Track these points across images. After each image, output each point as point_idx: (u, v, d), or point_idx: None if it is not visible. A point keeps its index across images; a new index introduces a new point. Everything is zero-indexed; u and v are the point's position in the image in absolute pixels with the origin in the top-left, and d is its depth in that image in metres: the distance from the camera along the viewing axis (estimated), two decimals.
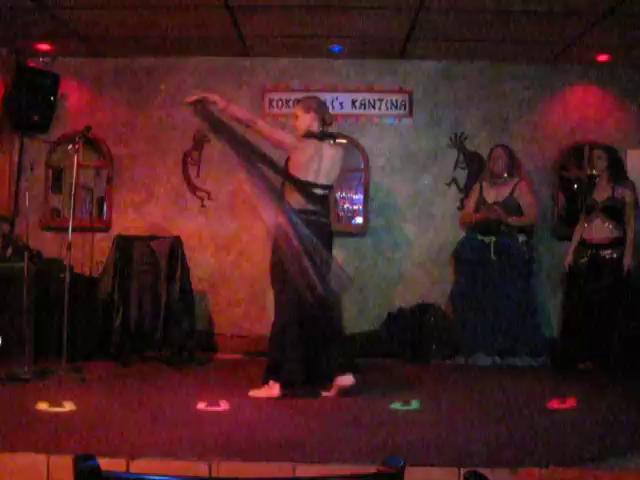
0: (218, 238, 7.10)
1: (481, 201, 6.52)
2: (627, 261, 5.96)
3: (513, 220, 6.36)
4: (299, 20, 6.13)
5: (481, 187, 6.59)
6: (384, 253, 7.11)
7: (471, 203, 6.63)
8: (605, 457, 3.23)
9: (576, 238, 6.30)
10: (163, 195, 7.15)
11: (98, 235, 6.95)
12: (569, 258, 6.30)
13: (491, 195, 6.49)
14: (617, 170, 6.18)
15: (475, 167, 6.97)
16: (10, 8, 5.84)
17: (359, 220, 7.27)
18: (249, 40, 6.70)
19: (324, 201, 4.96)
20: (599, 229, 6.12)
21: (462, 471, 2.94)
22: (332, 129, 7.11)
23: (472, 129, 7.11)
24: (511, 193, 6.43)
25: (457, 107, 7.15)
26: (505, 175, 6.49)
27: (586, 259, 6.16)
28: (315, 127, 4.93)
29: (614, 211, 6.08)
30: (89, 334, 6.04)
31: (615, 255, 6.05)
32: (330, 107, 7.05)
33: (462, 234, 6.75)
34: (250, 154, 4.81)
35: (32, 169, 6.18)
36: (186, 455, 3.18)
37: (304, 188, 4.80)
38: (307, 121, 4.92)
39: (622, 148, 6.70)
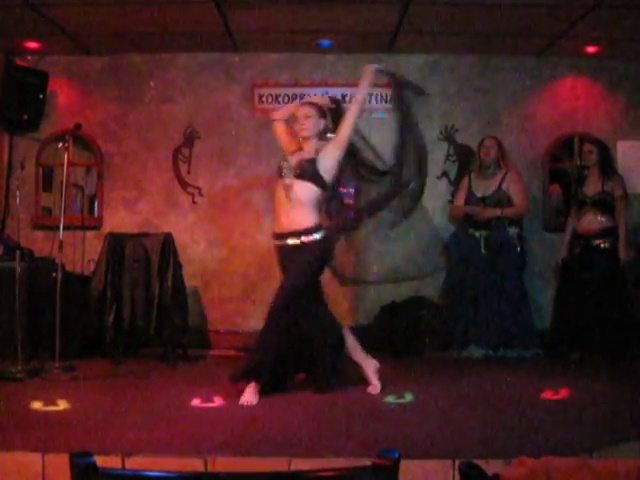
0: (210, 234, 7.10)
1: (471, 195, 6.53)
2: (622, 254, 6.05)
3: (503, 212, 6.37)
4: (288, 15, 6.13)
5: (470, 180, 6.59)
6: (376, 247, 7.10)
7: (460, 196, 6.64)
8: (598, 446, 3.25)
9: (569, 232, 6.37)
10: (154, 192, 7.14)
11: (89, 233, 6.93)
12: (563, 252, 6.36)
13: (480, 188, 6.50)
14: (607, 164, 6.25)
15: (465, 160, 6.97)
16: None
17: (350, 214, 7.25)
18: (238, 35, 6.68)
19: None
20: (590, 221, 6.21)
21: (456, 463, 2.95)
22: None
23: (462, 122, 7.12)
24: (499, 185, 6.44)
25: (447, 100, 7.16)
26: (493, 167, 6.49)
27: (579, 250, 6.24)
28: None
29: (605, 204, 6.15)
30: (82, 332, 6.03)
31: (607, 244, 6.12)
32: None
33: (454, 227, 6.76)
34: None
35: (22, 168, 6.16)
36: (181, 451, 3.18)
37: None
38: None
39: (612, 139, 6.74)
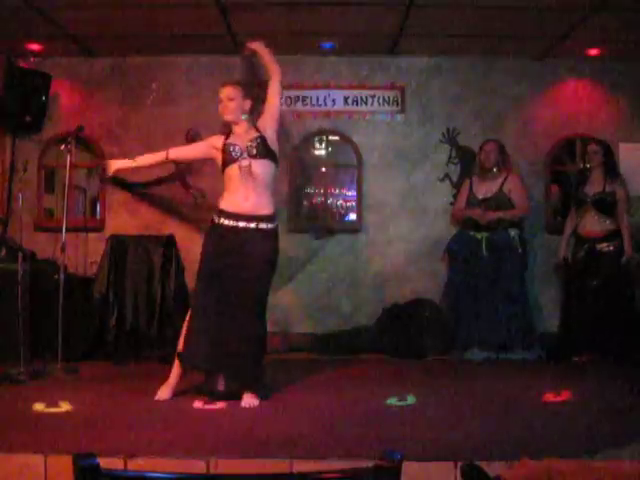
0: None
1: (472, 197, 6.54)
2: (628, 252, 6.04)
3: (505, 214, 6.38)
4: (290, 17, 6.13)
5: (471, 182, 6.61)
6: (378, 249, 7.12)
7: (461, 199, 6.64)
8: (600, 448, 3.25)
9: (567, 230, 6.40)
10: (156, 194, 7.14)
11: (92, 235, 6.92)
12: (563, 250, 6.37)
13: (481, 190, 6.51)
14: (610, 165, 6.25)
15: (468, 162, 6.98)
16: (0, 8, 5.82)
17: (353, 216, 7.28)
18: (240, 38, 6.68)
19: None
20: (593, 223, 6.20)
21: (459, 464, 2.95)
22: (326, 126, 7.19)
23: (464, 124, 7.12)
24: (501, 188, 6.44)
25: (449, 102, 7.16)
26: (495, 170, 6.50)
27: (583, 253, 6.22)
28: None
29: (605, 205, 6.14)
30: (84, 334, 6.04)
31: (612, 247, 6.11)
32: (322, 104, 7.13)
33: (455, 229, 6.77)
34: None
35: (25, 170, 6.15)
36: (183, 453, 3.18)
37: None
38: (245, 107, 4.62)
39: (614, 141, 6.74)
